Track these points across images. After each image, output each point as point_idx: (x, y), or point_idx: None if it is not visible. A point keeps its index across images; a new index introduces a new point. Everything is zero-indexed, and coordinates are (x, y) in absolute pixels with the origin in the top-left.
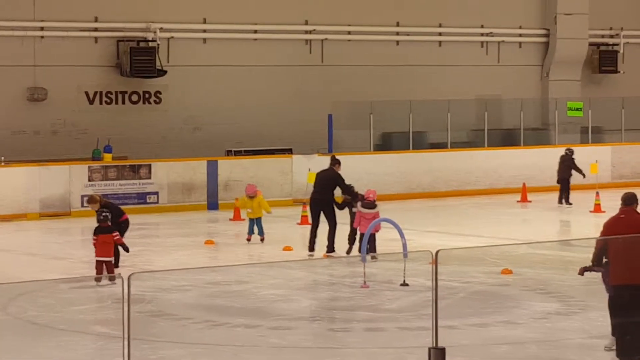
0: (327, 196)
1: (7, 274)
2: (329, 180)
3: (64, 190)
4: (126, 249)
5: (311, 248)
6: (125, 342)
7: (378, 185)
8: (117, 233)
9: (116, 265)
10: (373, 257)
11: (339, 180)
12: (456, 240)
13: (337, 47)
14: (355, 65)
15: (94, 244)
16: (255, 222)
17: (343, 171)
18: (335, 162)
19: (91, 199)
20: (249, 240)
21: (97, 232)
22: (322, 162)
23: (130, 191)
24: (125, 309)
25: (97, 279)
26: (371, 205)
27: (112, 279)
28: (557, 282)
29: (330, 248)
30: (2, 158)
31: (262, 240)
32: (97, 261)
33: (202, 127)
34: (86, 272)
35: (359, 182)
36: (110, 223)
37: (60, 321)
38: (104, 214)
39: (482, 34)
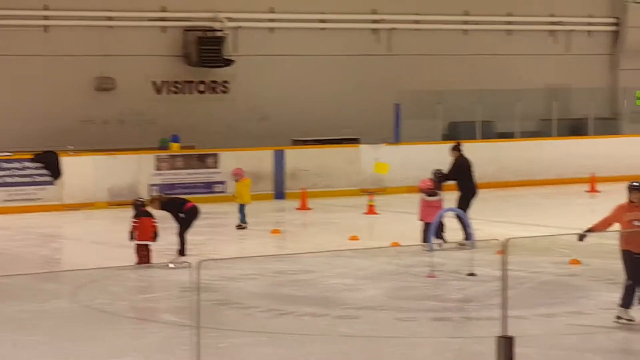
0: None
1: (76, 262)
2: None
3: (132, 179)
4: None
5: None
6: (195, 330)
7: None
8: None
9: (182, 253)
10: (439, 245)
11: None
12: (523, 231)
13: (404, 37)
14: (422, 55)
15: (134, 228)
16: (239, 208)
17: (412, 160)
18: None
19: (151, 201)
20: (238, 227)
21: (139, 215)
22: (389, 152)
23: (197, 180)
24: (195, 296)
25: (140, 263)
26: (433, 193)
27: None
28: None
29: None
30: (72, 147)
31: (238, 227)
32: (137, 245)
33: (269, 117)
34: (154, 260)
35: (426, 171)
36: (175, 216)
37: (129, 309)
38: (140, 200)
39: (551, 23)
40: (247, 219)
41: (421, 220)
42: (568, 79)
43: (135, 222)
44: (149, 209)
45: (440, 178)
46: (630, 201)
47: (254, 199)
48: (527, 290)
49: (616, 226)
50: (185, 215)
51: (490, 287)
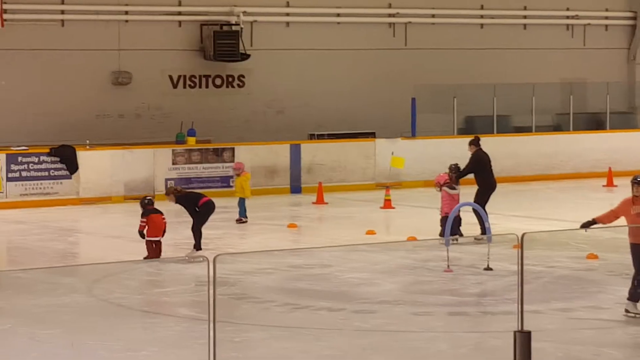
0: None
1: (92, 256)
2: None
3: (148, 173)
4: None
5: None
6: (211, 325)
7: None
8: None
9: (198, 247)
10: (455, 240)
11: None
12: (540, 225)
13: (420, 31)
14: (438, 49)
15: (142, 227)
16: (239, 202)
17: (428, 154)
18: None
19: (167, 191)
20: (238, 221)
21: (147, 213)
22: (406, 146)
23: (213, 175)
24: (211, 291)
25: (149, 257)
26: (452, 186)
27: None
28: None
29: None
30: (88, 141)
31: (238, 221)
32: (147, 241)
33: (285, 111)
34: (170, 254)
35: (443, 165)
36: (190, 210)
37: (144, 303)
38: (147, 198)
39: (567, 17)
40: (263, 213)
41: (446, 213)
42: (584, 73)
43: (143, 222)
44: (167, 202)
45: (457, 173)
46: (635, 195)
47: (270, 193)
48: (544, 285)
49: (622, 220)
50: (200, 210)
51: (507, 281)
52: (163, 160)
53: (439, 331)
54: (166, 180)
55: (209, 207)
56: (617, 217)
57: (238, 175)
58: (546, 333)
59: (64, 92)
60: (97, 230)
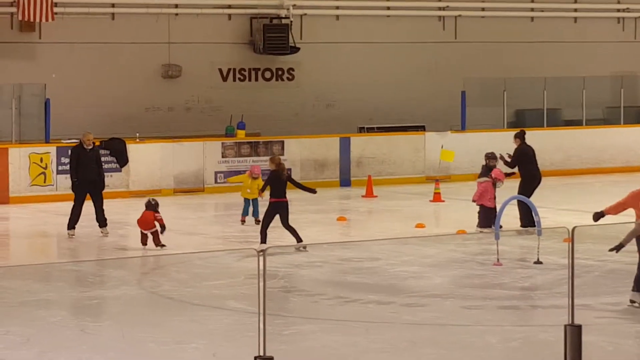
0: None
1: (142, 248)
2: None
3: (198, 166)
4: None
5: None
6: (261, 317)
7: None
8: (159, 215)
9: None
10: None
11: None
12: (589, 219)
13: (470, 24)
14: (488, 42)
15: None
16: (252, 203)
17: (478, 148)
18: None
19: (274, 159)
20: (243, 221)
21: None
22: (455, 139)
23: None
24: (261, 283)
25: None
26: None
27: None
28: None
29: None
30: (137, 134)
31: (257, 222)
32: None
33: (335, 104)
34: (220, 247)
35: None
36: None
37: (194, 296)
38: (153, 201)
39: (618, 10)
40: (313, 206)
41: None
42: (635, 66)
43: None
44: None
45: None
46: None
47: (320, 186)
48: (594, 279)
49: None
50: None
51: (557, 275)
52: (212, 154)
53: (489, 325)
54: (215, 173)
55: (271, 209)
56: (624, 209)
57: (255, 178)
58: (596, 327)
59: (114, 85)
60: None
